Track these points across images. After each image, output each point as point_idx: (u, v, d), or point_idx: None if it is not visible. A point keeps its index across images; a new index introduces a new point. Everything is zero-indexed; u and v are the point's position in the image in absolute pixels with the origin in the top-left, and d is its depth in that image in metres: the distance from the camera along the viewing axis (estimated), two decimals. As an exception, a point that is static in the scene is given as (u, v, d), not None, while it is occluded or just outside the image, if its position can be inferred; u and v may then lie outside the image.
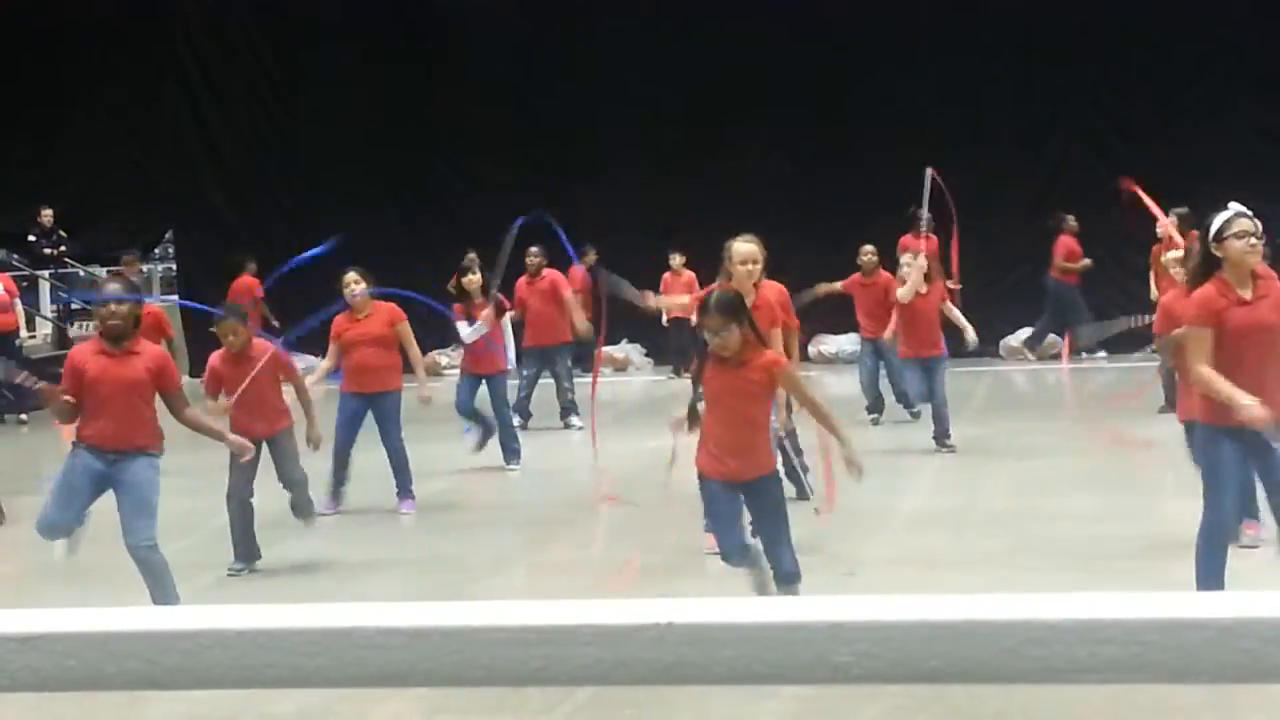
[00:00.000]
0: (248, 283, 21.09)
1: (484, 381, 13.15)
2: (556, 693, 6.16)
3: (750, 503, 7.47)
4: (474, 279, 13.18)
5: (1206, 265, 7.11)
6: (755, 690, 5.94)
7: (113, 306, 7.71)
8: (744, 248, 8.98)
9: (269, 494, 9.64)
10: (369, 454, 11.39)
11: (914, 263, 13.36)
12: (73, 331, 21.78)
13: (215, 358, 9.60)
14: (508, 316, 13.59)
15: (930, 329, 13.37)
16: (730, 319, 7.10)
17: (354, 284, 11.30)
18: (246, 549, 9.49)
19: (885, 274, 14.65)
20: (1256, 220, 7.10)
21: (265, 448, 9.44)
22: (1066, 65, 21.26)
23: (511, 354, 13.98)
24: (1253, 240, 6.97)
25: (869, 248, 15.20)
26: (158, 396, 7.93)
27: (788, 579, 7.39)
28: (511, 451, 13.33)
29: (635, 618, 1.55)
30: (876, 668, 1.50)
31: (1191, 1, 20.65)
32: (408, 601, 1.63)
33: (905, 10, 21.47)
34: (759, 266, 8.94)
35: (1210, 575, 7.30)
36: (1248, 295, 6.98)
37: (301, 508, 9.82)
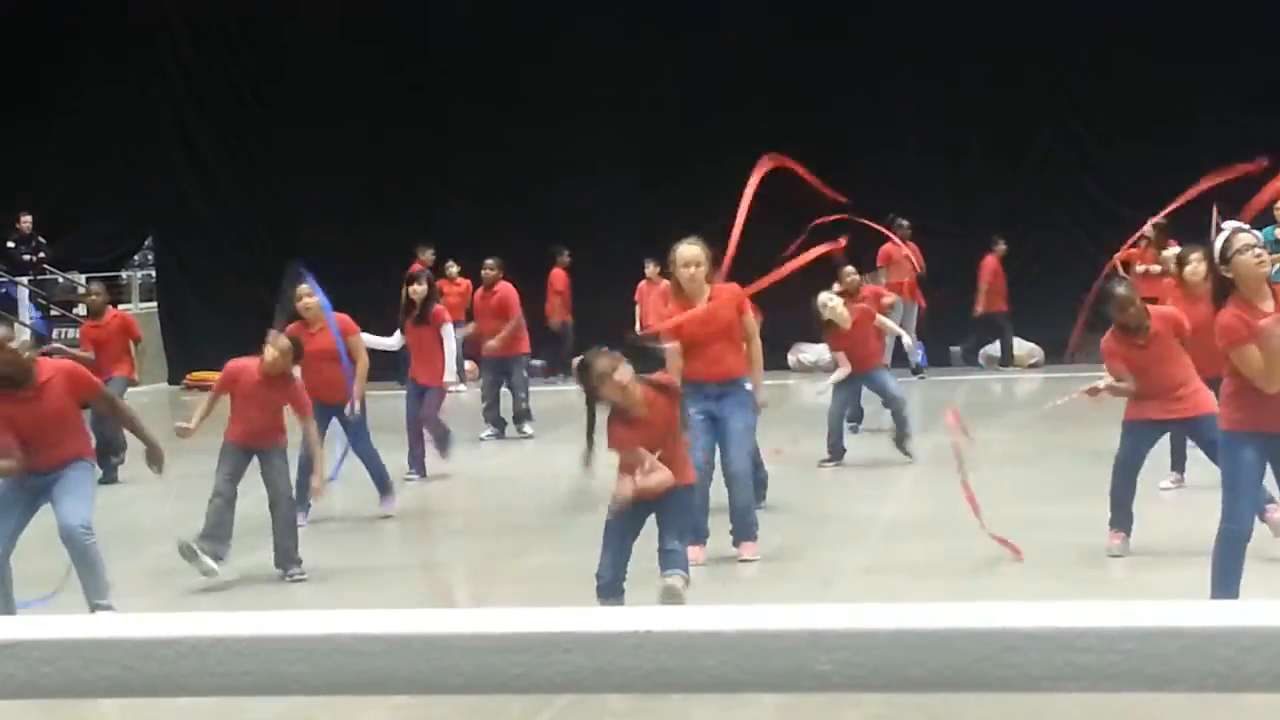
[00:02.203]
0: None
1: (424, 392, 12.99)
2: (536, 700, 6.15)
3: (658, 508, 7.47)
4: (418, 289, 13.05)
5: (1222, 288, 7.09)
6: (735, 698, 5.93)
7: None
8: (687, 251, 8.99)
9: (249, 500, 9.59)
10: (349, 460, 11.37)
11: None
12: (54, 335, 21.70)
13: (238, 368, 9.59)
14: (450, 328, 13.45)
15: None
16: (627, 371, 7.23)
17: (307, 297, 11.20)
18: (215, 533, 9.28)
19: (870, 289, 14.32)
20: (1255, 233, 7.19)
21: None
22: (1049, 75, 21.32)
23: (452, 366, 13.70)
24: (1256, 251, 6.98)
25: (850, 269, 14.28)
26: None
27: (679, 564, 7.41)
28: (415, 460, 13.09)
29: (614, 625, 1.55)
30: (856, 676, 1.50)
31: (1177, 11, 20.71)
32: (386, 608, 1.63)
33: (887, 17, 21.51)
34: (702, 269, 8.93)
35: (1225, 583, 7.37)
36: (1267, 307, 6.97)
37: (282, 551, 9.45)
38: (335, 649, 1.55)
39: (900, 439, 13.15)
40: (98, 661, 1.57)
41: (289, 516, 9.48)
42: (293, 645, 1.56)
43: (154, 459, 8.22)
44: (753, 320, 9.21)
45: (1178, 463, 10.87)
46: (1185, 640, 1.47)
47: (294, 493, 9.69)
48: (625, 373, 7.23)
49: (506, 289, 15.50)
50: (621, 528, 7.44)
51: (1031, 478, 12.25)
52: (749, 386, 9.07)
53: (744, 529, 9.29)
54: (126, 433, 12.66)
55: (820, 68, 21.42)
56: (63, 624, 1.61)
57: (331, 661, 1.55)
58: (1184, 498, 10.62)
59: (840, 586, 8.75)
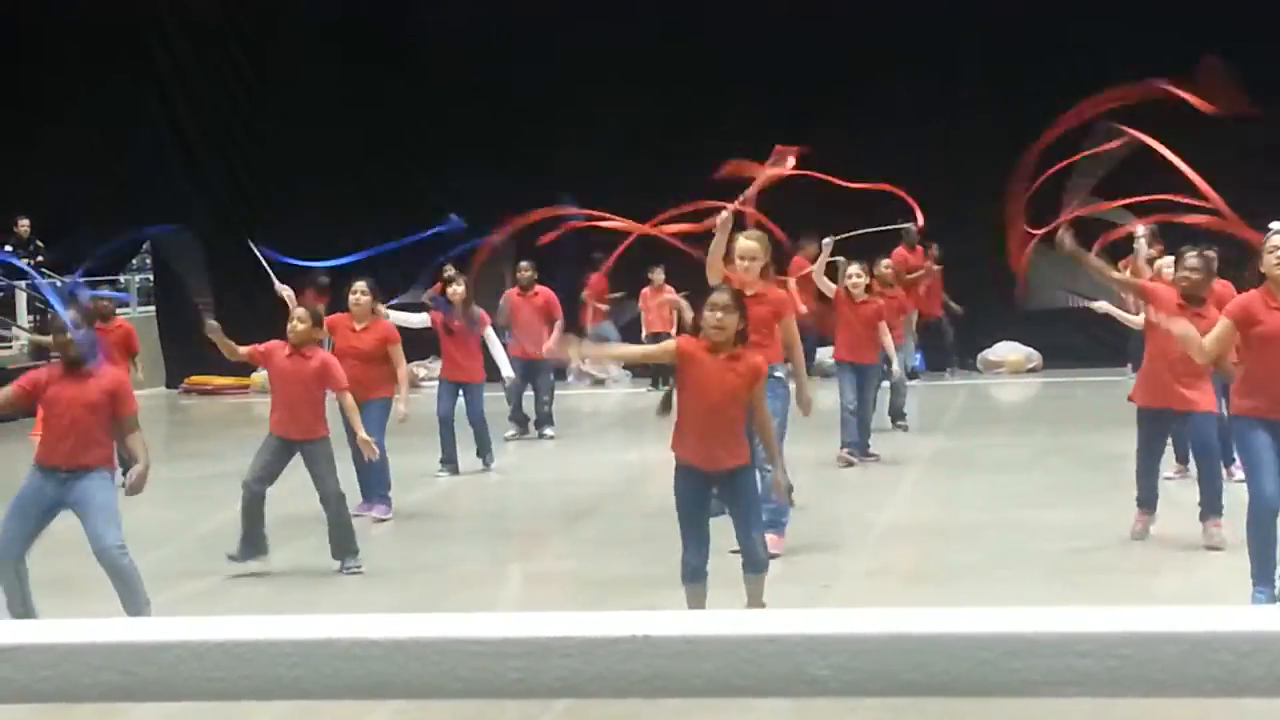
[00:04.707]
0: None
1: (461, 390, 13.20)
2: (533, 705, 6.15)
3: (724, 492, 7.51)
4: (459, 291, 13.23)
5: (1261, 280, 7.81)
6: (733, 703, 5.92)
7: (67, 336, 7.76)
8: (745, 244, 9.06)
9: (272, 498, 9.62)
10: (344, 463, 11.34)
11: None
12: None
13: (272, 345, 9.70)
14: (490, 329, 13.60)
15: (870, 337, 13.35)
16: (735, 306, 7.23)
17: (361, 294, 11.40)
18: (250, 540, 9.42)
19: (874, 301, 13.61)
20: None
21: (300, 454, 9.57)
22: (1043, 81, 21.30)
23: (506, 366, 14.01)
24: None
25: (855, 269, 13.63)
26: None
27: (757, 567, 7.51)
28: (487, 454, 13.58)
29: (612, 630, 1.54)
30: (854, 681, 1.50)
31: (1169, 17, 20.71)
32: (386, 612, 1.63)
33: (883, 25, 21.51)
34: (758, 263, 9.01)
35: (1263, 554, 7.71)
36: None
37: (339, 540, 9.51)
38: (333, 653, 1.55)
39: (854, 442, 13.11)
40: (96, 666, 1.57)
41: (338, 514, 9.52)
42: (291, 649, 1.56)
43: (137, 478, 7.88)
44: (793, 326, 9.25)
45: (1183, 455, 11.05)
46: (1184, 645, 1.47)
47: (340, 487, 9.64)
48: (731, 320, 7.19)
49: (548, 291, 15.55)
50: (693, 514, 7.42)
51: (1031, 482, 12.25)
52: (780, 374, 9.08)
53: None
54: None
55: (818, 66, 21.41)
56: (61, 628, 1.60)
57: (330, 666, 1.55)
58: (1183, 503, 10.63)
59: (838, 591, 8.75)
